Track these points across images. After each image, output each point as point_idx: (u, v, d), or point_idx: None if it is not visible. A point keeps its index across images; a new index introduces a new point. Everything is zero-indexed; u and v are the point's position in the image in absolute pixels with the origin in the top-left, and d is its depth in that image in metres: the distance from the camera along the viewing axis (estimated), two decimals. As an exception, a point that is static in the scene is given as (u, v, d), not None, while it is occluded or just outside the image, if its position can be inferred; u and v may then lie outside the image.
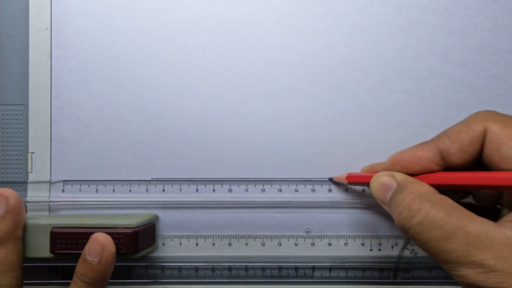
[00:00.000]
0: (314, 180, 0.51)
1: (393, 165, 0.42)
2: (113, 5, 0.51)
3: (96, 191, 0.50)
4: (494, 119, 0.39)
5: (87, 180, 0.51)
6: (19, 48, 0.51)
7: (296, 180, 0.51)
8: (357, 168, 0.50)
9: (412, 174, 0.42)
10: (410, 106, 0.50)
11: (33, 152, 0.51)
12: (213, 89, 0.51)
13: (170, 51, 0.51)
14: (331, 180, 0.50)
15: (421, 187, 0.40)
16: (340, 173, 0.50)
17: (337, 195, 0.51)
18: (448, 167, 0.41)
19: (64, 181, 0.51)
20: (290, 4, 0.51)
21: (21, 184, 0.51)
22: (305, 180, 0.51)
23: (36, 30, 0.50)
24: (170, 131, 0.51)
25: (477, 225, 0.36)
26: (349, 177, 0.48)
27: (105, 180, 0.51)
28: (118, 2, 0.51)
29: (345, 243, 0.51)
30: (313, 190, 0.51)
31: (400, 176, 0.42)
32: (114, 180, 0.51)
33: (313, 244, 0.51)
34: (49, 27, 0.50)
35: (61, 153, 0.51)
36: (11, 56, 0.51)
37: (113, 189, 0.50)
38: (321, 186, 0.51)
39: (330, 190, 0.50)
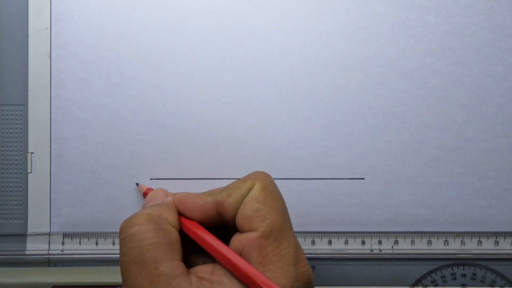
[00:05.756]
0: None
1: (178, 204, 0.41)
2: (113, 5, 0.50)
3: (96, 244, 0.51)
4: (261, 180, 0.39)
5: (87, 233, 0.51)
6: (19, 48, 0.50)
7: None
8: (358, 168, 0.50)
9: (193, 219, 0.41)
10: (410, 106, 0.51)
11: (33, 152, 0.51)
12: (213, 89, 0.51)
13: (170, 51, 0.51)
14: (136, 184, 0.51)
15: (166, 212, 0.39)
16: (340, 173, 0.50)
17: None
18: (225, 221, 0.40)
19: (64, 233, 0.51)
20: (290, 4, 0.51)
21: (19, 237, 0.51)
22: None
23: (36, 30, 0.50)
24: (170, 131, 0.51)
25: (168, 267, 0.36)
26: (144, 193, 0.49)
27: (105, 233, 0.51)
28: (118, 2, 0.50)
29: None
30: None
31: (169, 198, 0.42)
32: (114, 233, 0.51)
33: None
34: (49, 27, 0.50)
35: (61, 153, 0.51)
36: (11, 56, 0.51)
37: (113, 242, 0.50)
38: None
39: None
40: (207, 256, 0.40)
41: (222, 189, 0.40)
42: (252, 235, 0.37)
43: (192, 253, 0.41)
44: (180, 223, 0.40)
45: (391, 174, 0.51)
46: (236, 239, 0.38)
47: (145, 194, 0.48)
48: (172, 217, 0.40)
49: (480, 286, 0.51)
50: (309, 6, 0.51)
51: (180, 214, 0.41)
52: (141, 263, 0.37)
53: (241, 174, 0.50)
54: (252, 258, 0.37)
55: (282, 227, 0.38)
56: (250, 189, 0.39)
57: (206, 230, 0.40)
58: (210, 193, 0.41)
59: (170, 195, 0.43)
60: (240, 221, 0.38)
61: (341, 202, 0.51)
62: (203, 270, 0.38)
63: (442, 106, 0.50)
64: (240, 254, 0.38)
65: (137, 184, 0.50)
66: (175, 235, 0.39)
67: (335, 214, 0.51)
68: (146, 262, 0.37)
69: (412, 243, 0.51)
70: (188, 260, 0.40)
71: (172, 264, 0.37)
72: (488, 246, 0.50)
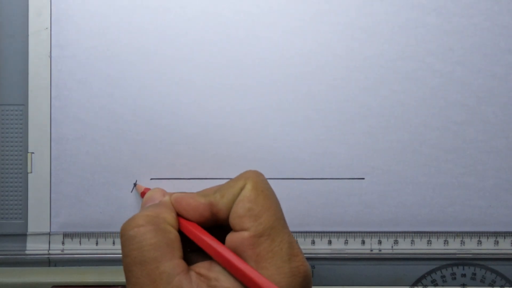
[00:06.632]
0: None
1: (175, 204, 0.41)
2: (113, 5, 0.50)
3: (96, 244, 0.51)
4: (252, 179, 0.39)
5: (87, 233, 0.51)
6: (19, 48, 0.50)
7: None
8: (358, 168, 0.50)
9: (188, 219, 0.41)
10: (410, 106, 0.51)
11: (33, 152, 0.51)
12: (213, 89, 0.51)
13: (170, 51, 0.51)
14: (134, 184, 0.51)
15: (164, 212, 0.40)
16: (340, 173, 0.50)
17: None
18: (219, 221, 0.41)
19: (64, 233, 0.51)
20: (290, 3, 0.51)
21: (19, 237, 0.51)
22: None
23: (36, 30, 0.50)
24: (170, 131, 0.51)
25: (169, 266, 0.37)
26: (142, 193, 0.49)
27: (105, 232, 0.51)
28: (118, 2, 0.50)
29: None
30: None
31: (166, 198, 0.42)
32: (115, 232, 0.51)
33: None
34: (49, 27, 0.50)
35: (61, 153, 0.51)
36: (11, 56, 0.51)
37: (113, 242, 0.50)
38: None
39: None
40: (207, 254, 0.40)
41: (216, 190, 0.41)
42: (245, 234, 0.38)
43: (193, 251, 0.41)
44: (178, 222, 0.41)
45: (391, 174, 0.51)
46: (230, 238, 0.39)
47: (143, 194, 0.48)
48: (170, 216, 0.40)
49: (480, 286, 0.51)
50: (309, 6, 0.51)
51: (177, 214, 0.41)
52: (142, 263, 0.37)
53: (241, 174, 0.50)
54: (246, 257, 0.37)
55: (274, 224, 0.38)
56: (241, 189, 0.39)
57: (202, 229, 0.40)
58: (204, 193, 0.41)
59: (167, 194, 0.43)
60: (233, 220, 0.39)
61: (341, 202, 0.51)
62: (201, 266, 0.38)
63: (442, 106, 0.51)
64: (234, 252, 0.38)
65: (135, 184, 0.50)
66: (174, 234, 0.39)
67: (335, 214, 0.51)
68: (147, 262, 0.37)
69: (412, 243, 0.51)
70: (189, 258, 0.40)
71: (172, 263, 0.37)
72: (488, 246, 0.50)
